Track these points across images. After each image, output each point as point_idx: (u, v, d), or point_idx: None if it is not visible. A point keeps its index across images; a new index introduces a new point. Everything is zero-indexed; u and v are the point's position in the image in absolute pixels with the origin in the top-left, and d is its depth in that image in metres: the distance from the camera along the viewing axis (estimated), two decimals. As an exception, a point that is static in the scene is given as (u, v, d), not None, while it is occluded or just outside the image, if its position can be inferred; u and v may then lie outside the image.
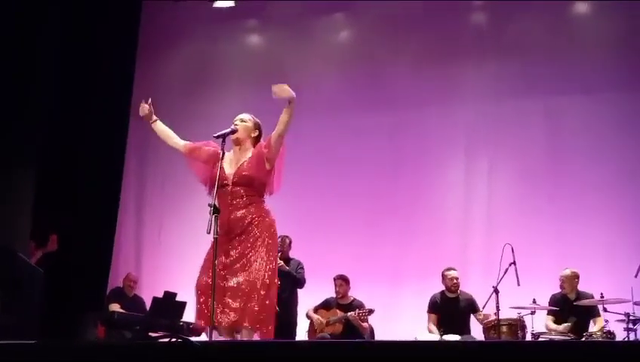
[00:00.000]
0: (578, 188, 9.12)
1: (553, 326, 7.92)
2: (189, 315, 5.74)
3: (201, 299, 5.33)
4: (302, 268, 8.36)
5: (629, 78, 9.21)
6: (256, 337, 5.30)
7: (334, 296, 8.55)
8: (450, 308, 8.26)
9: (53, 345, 4.28)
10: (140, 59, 9.88)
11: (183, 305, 6.72)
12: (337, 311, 8.39)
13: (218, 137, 5.37)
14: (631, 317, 7.43)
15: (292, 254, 8.46)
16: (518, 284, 7.59)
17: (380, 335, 8.40)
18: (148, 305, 7.92)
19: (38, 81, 8.63)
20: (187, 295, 5.76)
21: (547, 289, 8.23)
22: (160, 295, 6.36)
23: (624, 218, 8.94)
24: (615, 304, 7.56)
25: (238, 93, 9.79)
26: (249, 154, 5.46)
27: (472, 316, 8.25)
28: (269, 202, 5.57)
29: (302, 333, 8.49)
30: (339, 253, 9.24)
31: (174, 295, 6.51)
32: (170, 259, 9.70)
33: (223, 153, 5.35)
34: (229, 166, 5.42)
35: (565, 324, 7.82)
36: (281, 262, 8.04)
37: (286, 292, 8.12)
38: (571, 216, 9.07)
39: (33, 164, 8.59)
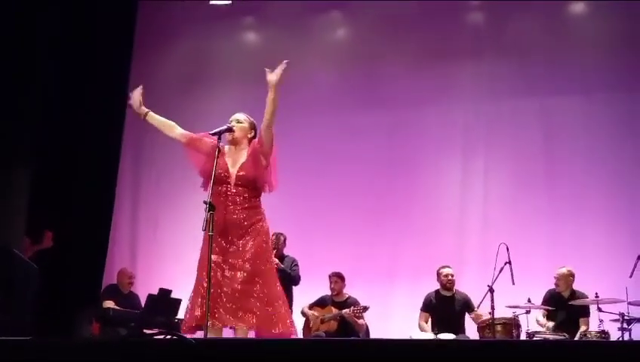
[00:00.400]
0: (574, 188, 9.15)
1: (543, 320, 7.94)
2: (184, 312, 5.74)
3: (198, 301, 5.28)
4: (296, 265, 8.37)
5: (627, 78, 9.24)
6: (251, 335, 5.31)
7: (329, 293, 8.55)
8: (445, 307, 8.27)
9: (48, 342, 4.27)
10: (136, 58, 9.85)
11: (178, 302, 6.73)
12: (332, 308, 8.39)
13: (214, 134, 5.36)
14: (625, 317, 7.46)
15: (287, 251, 8.47)
16: (513, 283, 7.60)
17: (374, 334, 8.40)
18: (143, 302, 7.93)
19: (34, 80, 8.62)
20: (182, 292, 5.76)
21: (542, 288, 8.25)
22: (155, 292, 6.38)
23: (619, 218, 8.97)
24: (610, 304, 7.57)
25: (234, 91, 9.79)
26: (245, 154, 5.47)
27: (467, 315, 8.26)
28: (266, 199, 5.58)
29: (297, 330, 8.49)
30: (335, 251, 9.25)
31: (169, 292, 6.52)
32: (165, 256, 9.70)
33: (219, 150, 5.34)
34: (232, 166, 5.41)
35: (551, 323, 7.83)
36: (276, 260, 8.06)
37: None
38: (567, 215, 9.09)
39: (29, 161, 8.58)
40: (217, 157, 5.30)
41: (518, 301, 7.72)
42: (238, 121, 5.54)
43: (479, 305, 7.80)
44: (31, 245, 8.17)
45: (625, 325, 7.44)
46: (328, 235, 9.46)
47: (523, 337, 7.67)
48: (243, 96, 9.09)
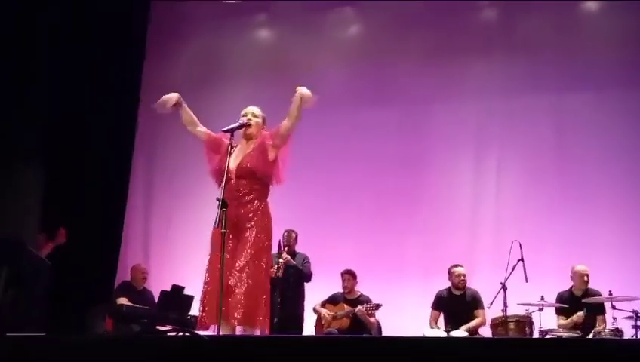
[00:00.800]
0: (587, 186, 9.10)
1: (565, 322, 7.90)
2: (197, 308, 5.75)
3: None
4: (308, 261, 8.38)
5: (639, 75, 9.17)
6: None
7: (341, 290, 8.55)
8: (456, 305, 8.26)
9: (61, 338, 4.29)
10: (148, 56, 9.89)
11: (190, 298, 6.75)
12: (345, 305, 8.39)
13: (227, 131, 5.37)
14: (639, 315, 7.41)
15: (299, 248, 8.47)
16: (526, 281, 7.58)
17: (385, 331, 8.40)
18: (156, 298, 7.95)
19: (45, 79, 8.66)
20: (195, 289, 5.77)
21: (555, 286, 8.21)
22: (168, 289, 6.40)
23: (633, 215, 8.91)
24: (623, 301, 7.54)
25: (247, 89, 9.79)
26: (251, 146, 5.48)
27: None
28: (276, 195, 5.58)
29: (309, 327, 8.50)
30: (346, 249, 9.25)
31: (182, 289, 6.54)
32: (178, 253, 9.71)
33: (232, 147, 5.35)
34: (234, 160, 5.42)
35: (579, 314, 7.78)
36: (288, 256, 8.07)
37: (293, 286, 8.15)
38: (580, 213, 9.04)
39: (44, 158, 8.63)
40: (230, 154, 5.31)
41: (530, 299, 7.69)
42: (255, 115, 5.56)
43: (492, 303, 7.76)
44: (46, 242, 8.22)
45: (639, 323, 7.39)
46: (340, 233, 9.45)
47: (536, 335, 7.65)
48: (255, 94, 9.09)
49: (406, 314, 8.85)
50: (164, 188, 10.30)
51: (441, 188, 9.59)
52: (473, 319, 8.14)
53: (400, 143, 9.73)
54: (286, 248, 8.13)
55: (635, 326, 7.38)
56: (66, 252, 8.32)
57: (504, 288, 7.59)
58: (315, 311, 8.53)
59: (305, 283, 8.38)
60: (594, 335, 7.43)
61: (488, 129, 9.62)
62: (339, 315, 8.33)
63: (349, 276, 8.49)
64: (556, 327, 7.82)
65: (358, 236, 9.45)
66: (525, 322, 7.70)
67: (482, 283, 8.39)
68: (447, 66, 9.71)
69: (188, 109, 5.68)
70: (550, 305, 7.87)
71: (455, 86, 9.71)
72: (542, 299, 7.71)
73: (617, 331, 7.38)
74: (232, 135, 5.37)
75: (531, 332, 7.69)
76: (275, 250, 7.14)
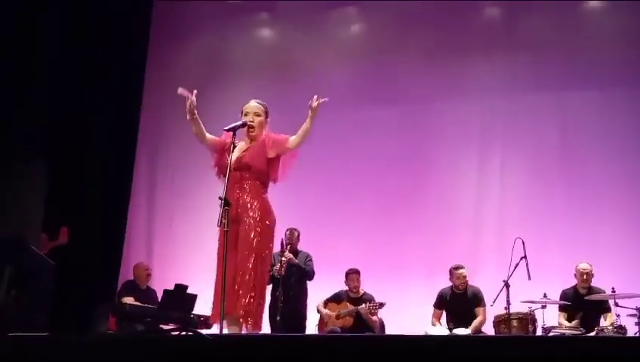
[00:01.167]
0: (590, 185, 9.08)
1: (565, 322, 7.89)
2: (200, 307, 5.76)
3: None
4: (310, 260, 8.38)
5: (643, 74, 9.17)
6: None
7: (345, 289, 8.55)
8: (458, 303, 8.25)
9: (64, 338, 4.30)
10: (151, 54, 9.91)
11: (193, 297, 6.74)
12: (348, 304, 8.39)
13: (229, 130, 5.37)
14: (642, 312, 7.42)
15: (301, 247, 8.47)
16: (529, 278, 7.58)
17: (388, 330, 8.39)
18: (160, 297, 7.94)
19: (48, 79, 8.67)
20: (198, 287, 5.77)
21: (558, 283, 8.20)
22: (171, 287, 6.39)
23: (636, 213, 8.90)
24: (626, 299, 7.52)
25: (248, 88, 9.76)
26: (254, 143, 5.50)
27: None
28: (279, 193, 5.58)
29: (312, 326, 8.50)
30: (349, 247, 9.24)
31: (185, 287, 6.53)
32: (181, 251, 9.72)
33: (234, 145, 5.36)
34: (235, 155, 5.44)
35: (575, 321, 7.79)
36: (290, 255, 8.06)
37: (295, 285, 8.15)
38: (583, 211, 9.03)
39: (46, 158, 8.64)
40: (232, 152, 5.32)
41: (533, 296, 7.68)
42: (257, 115, 5.56)
43: (495, 300, 7.76)
44: (48, 241, 8.22)
45: (642, 320, 7.40)
46: (342, 231, 9.44)
47: (539, 332, 7.64)
48: (258, 93, 9.01)
49: (409, 312, 8.84)
50: (167, 187, 10.29)
51: (444, 187, 9.57)
52: (475, 317, 8.13)
53: (403, 142, 9.72)
54: (288, 246, 8.12)
55: (639, 324, 7.37)
56: (70, 251, 8.33)
57: (507, 286, 7.58)
58: (318, 311, 8.53)
59: (307, 282, 8.38)
60: (597, 333, 7.41)
61: (491, 128, 9.60)
62: (342, 314, 8.33)
63: (357, 275, 8.48)
64: (557, 325, 7.82)
65: (361, 235, 9.44)
66: (528, 319, 7.69)
67: (485, 281, 8.38)
68: (450, 65, 9.69)
69: (199, 121, 5.66)
70: (553, 303, 7.86)
71: (458, 85, 9.69)
72: (545, 296, 7.70)
73: (621, 328, 7.37)
74: (234, 133, 5.37)
75: (534, 330, 7.69)
76: (277, 248, 7.14)
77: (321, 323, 8.47)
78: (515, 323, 7.68)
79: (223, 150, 5.54)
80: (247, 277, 5.27)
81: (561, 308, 8.02)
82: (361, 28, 10.33)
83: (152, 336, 4.49)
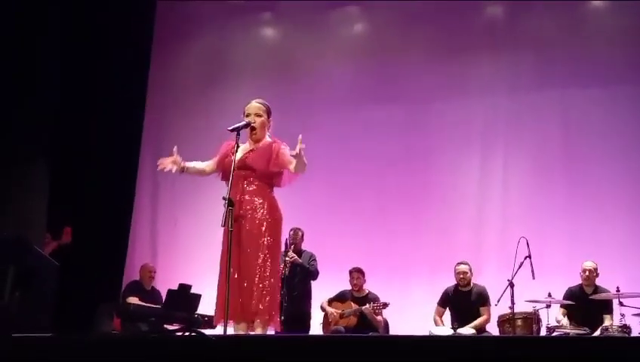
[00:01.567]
0: (594, 183, 9.07)
1: (564, 320, 7.86)
2: (204, 308, 5.76)
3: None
4: (314, 259, 8.38)
5: (647, 72, 9.15)
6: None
7: (349, 288, 8.54)
8: (461, 302, 8.25)
9: (68, 338, 4.30)
10: (154, 54, 9.91)
11: (197, 297, 6.73)
12: (352, 303, 8.39)
13: (233, 130, 5.36)
14: (647, 311, 7.40)
15: (305, 246, 8.47)
16: (534, 278, 7.57)
17: (392, 329, 8.39)
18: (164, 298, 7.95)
19: (51, 78, 8.68)
20: (202, 287, 5.77)
21: (562, 282, 8.19)
22: (175, 287, 6.38)
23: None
24: (631, 298, 7.51)
25: (251, 87, 9.76)
26: (258, 145, 5.47)
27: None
28: (283, 193, 5.56)
29: (316, 325, 8.50)
30: (352, 247, 9.23)
31: (189, 287, 6.52)
32: (185, 251, 9.72)
33: (238, 146, 5.34)
34: (240, 152, 5.42)
35: (566, 321, 7.77)
36: (294, 255, 8.07)
37: (299, 284, 8.15)
38: (587, 210, 9.01)
39: (50, 157, 8.65)
40: (235, 152, 5.31)
41: (538, 296, 7.67)
42: (258, 115, 5.52)
43: (499, 300, 7.74)
44: (51, 241, 8.22)
45: (647, 319, 7.38)
46: (346, 231, 9.44)
47: (543, 332, 7.63)
48: (260, 92, 8.99)
49: (413, 312, 8.83)
50: (171, 187, 10.29)
51: (446, 186, 9.56)
52: (478, 316, 8.12)
53: (405, 141, 9.71)
54: (292, 246, 8.13)
55: (644, 323, 7.37)
56: (74, 251, 8.35)
57: (511, 285, 7.57)
58: (322, 308, 8.53)
59: (311, 282, 8.38)
60: (602, 332, 7.40)
61: (494, 127, 9.59)
62: (346, 313, 8.32)
63: (359, 274, 8.48)
64: (560, 323, 7.80)
65: (365, 234, 9.44)
66: (532, 319, 7.69)
67: (489, 281, 8.37)
68: (453, 64, 9.68)
69: (190, 166, 5.64)
70: (557, 302, 7.85)
71: (460, 84, 9.68)
72: (549, 295, 7.69)
73: (625, 328, 7.36)
74: (237, 133, 5.35)
75: (538, 329, 7.68)
76: (281, 248, 7.13)
77: (326, 322, 8.47)
78: (519, 322, 7.67)
79: (227, 155, 5.50)
80: (256, 277, 5.23)
81: (564, 305, 8.00)
82: (363, 27, 10.33)
83: (156, 336, 4.49)
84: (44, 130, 8.59)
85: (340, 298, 8.55)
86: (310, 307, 8.40)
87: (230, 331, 5.08)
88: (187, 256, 9.55)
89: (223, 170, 5.48)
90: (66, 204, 8.79)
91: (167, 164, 5.59)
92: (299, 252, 8.30)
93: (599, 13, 9.61)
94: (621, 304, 7.51)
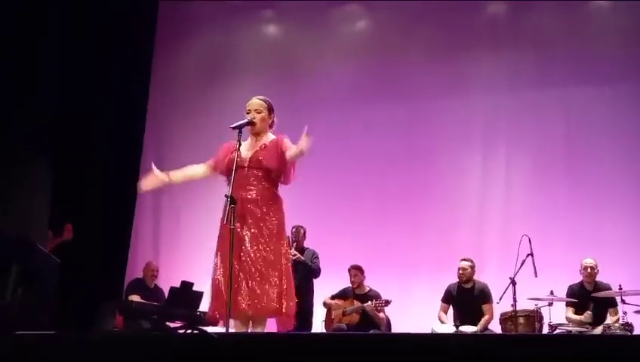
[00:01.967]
0: (596, 181, 9.07)
1: (574, 316, 7.87)
2: (206, 305, 5.75)
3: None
4: (317, 257, 8.39)
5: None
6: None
7: (350, 285, 8.55)
8: (464, 299, 8.26)
9: (70, 336, 4.30)
10: (157, 52, 9.92)
11: (199, 295, 6.75)
12: (354, 301, 8.39)
13: (235, 128, 5.34)
14: (649, 309, 7.40)
15: (307, 244, 8.47)
16: (536, 275, 7.57)
17: (394, 327, 8.40)
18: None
19: (52, 76, 8.69)
20: (204, 285, 5.77)
21: (564, 280, 8.20)
22: (177, 285, 6.40)
23: (642, 210, 8.88)
24: (633, 295, 7.50)
25: (253, 85, 9.76)
26: (265, 139, 5.45)
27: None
28: (285, 190, 5.56)
29: (318, 323, 8.51)
30: (355, 244, 9.24)
31: (191, 285, 6.54)
32: (188, 249, 9.73)
33: (240, 144, 5.33)
34: (246, 150, 5.39)
35: (587, 313, 7.74)
36: (296, 253, 8.07)
37: (302, 282, 8.15)
38: (589, 208, 9.01)
39: (52, 155, 8.66)
40: (237, 150, 5.29)
41: (540, 293, 7.67)
42: (258, 111, 5.50)
43: (501, 298, 7.75)
44: (52, 238, 8.24)
45: (649, 317, 7.38)
46: (348, 229, 9.44)
47: (545, 329, 7.63)
48: (262, 90, 9.01)
49: (415, 310, 8.85)
50: (174, 186, 10.28)
51: (448, 185, 9.56)
52: (481, 313, 8.12)
53: (406, 140, 9.71)
54: (294, 244, 8.14)
55: (645, 321, 7.36)
56: (76, 250, 8.35)
57: (513, 283, 7.57)
58: (325, 304, 8.54)
59: (314, 279, 8.39)
60: (604, 330, 7.40)
61: (495, 125, 9.59)
62: (348, 311, 8.33)
63: (356, 271, 8.49)
64: (565, 322, 7.80)
65: (367, 232, 9.44)
66: (535, 317, 7.69)
67: (490, 279, 8.38)
68: (454, 62, 9.68)
69: (175, 175, 5.67)
70: (560, 300, 7.85)
71: (462, 82, 9.68)
72: (551, 293, 7.69)
73: (628, 325, 7.36)
74: (240, 131, 5.34)
75: (541, 327, 7.68)
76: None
77: (328, 319, 8.48)
78: (521, 320, 7.68)
79: (228, 154, 5.47)
80: (257, 275, 5.21)
81: (569, 303, 8.00)
82: (365, 25, 10.33)
83: (158, 334, 4.49)
84: (44, 129, 8.61)
85: (341, 295, 8.56)
86: (312, 305, 8.41)
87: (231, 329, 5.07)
88: (189, 255, 9.56)
89: (226, 168, 5.43)
90: (68, 203, 8.80)
91: (149, 183, 5.56)
92: (301, 249, 8.31)
93: (601, 11, 9.60)
94: (623, 301, 7.51)
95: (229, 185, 5.23)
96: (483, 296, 8.20)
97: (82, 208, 8.93)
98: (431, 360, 3.71)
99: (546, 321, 7.70)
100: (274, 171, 5.36)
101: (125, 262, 9.47)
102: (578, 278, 8.12)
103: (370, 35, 10.20)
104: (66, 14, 8.91)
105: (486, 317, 8.08)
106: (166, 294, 8.35)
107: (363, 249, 9.16)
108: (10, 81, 8.24)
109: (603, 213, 8.93)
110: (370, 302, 8.16)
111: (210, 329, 4.55)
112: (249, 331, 5.17)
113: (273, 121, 5.56)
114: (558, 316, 7.86)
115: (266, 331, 5.28)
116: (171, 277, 8.51)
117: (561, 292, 7.97)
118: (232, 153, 5.35)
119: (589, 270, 7.96)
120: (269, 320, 5.34)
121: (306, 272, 8.24)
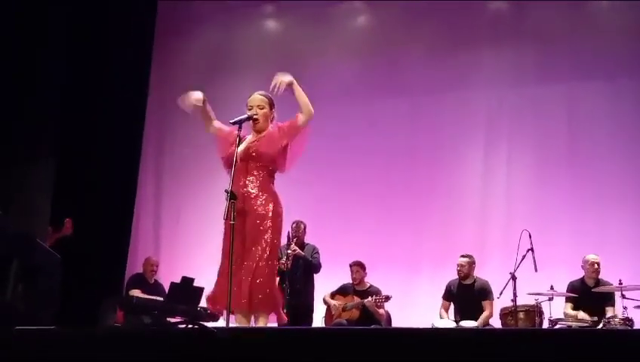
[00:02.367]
0: (597, 176, 9.05)
1: (571, 312, 7.87)
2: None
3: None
4: (317, 252, 8.38)
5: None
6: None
7: (351, 281, 8.55)
8: (465, 295, 8.25)
9: (72, 331, 4.31)
10: (157, 47, 9.92)
11: (200, 290, 6.75)
12: (354, 297, 8.39)
13: (234, 123, 5.35)
14: (650, 304, 7.40)
15: (307, 239, 8.47)
16: (536, 270, 7.57)
17: (395, 322, 8.40)
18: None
19: (53, 75, 8.70)
20: (205, 280, 5.77)
21: (565, 275, 8.19)
22: (178, 280, 6.40)
23: (643, 205, 8.88)
24: (634, 291, 7.50)
25: (254, 80, 9.69)
26: (262, 134, 5.46)
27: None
28: (286, 185, 5.56)
29: (319, 318, 8.51)
30: (356, 240, 9.23)
31: (192, 280, 6.54)
32: (188, 244, 9.74)
33: (240, 138, 5.33)
34: (244, 144, 5.40)
35: (581, 312, 7.76)
36: (297, 248, 8.06)
37: (302, 278, 8.15)
38: (590, 203, 9.00)
39: (54, 151, 8.67)
40: (238, 145, 5.30)
41: (540, 288, 7.67)
42: (260, 107, 5.51)
43: (502, 293, 7.75)
44: (52, 233, 8.24)
45: (649, 312, 7.38)
46: (349, 224, 9.45)
47: (545, 324, 7.63)
48: (263, 86, 9.04)
49: (416, 306, 8.86)
50: (174, 179, 10.31)
51: (450, 180, 9.56)
52: (481, 309, 8.12)
53: (408, 135, 9.71)
54: (295, 239, 8.12)
55: (646, 316, 7.36)
56: (77, 244, 8.36)
57: (514, 278, 7.57)
58: (325, 301, 8.54)
59: (314, 275, 8.38)
60: (604, 325, 7.40)
61: (498, 121, 9.58)
62: (348, 307, 8.33)
63: (358, 267, 8.49)
64: (564, 317, 7.80)
65: (368, 227, 9.44)
66: (535, 312, 7.69)
67: (493, 275, 8.36)
68: (457, 57, 9.67)
69: (209, 108, 5.62)
70: (560, 295, 7.85)
71: (464, 77, 9.67)
72: (551, 288, 7.69)
73: (628, 320, 7.36)
74: (240, 127, 5.34)
75: (541, 322, 7.68)
76: (284, 241, 7.14)
77: (328, 315, 8.48)
78: (521, 315, 7.68)
79: (228, 142, 5.48)
80: (255, 270, 5.23)
81: (568, 299, 8.00)
82: (367, 21, 10.31)
83: (159, 329, 4.50)
84: (45, 129, 8.62)
85: (342, 291, 8.56)
86: (313, 300, 8.40)
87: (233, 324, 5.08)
88: (190, 250, 9.58)
89: (226, 158, 5.44)
90: (68, 200, 8.80)
91: (193, 101, 5.53)
92: (301, 245, 8.30)
93: (603, 7, 9.57)
94: (623, 296, 7.51)
95: (229, 176, 5.24)
96: (483, 292, 8.19)
97: (83, 204, 8.94)
98: (431, 355, 3.72)
99: (546, 316, 7.70)
100: (267, 159, 5.36)
101: (126, 258, 9.48)
102: (579, 274, 8.11)
103: (372, 31, 10.19)
104: (66, 14, 8.91)
105: (486, 313, 8.08)
106: (166, 289, 8.36)
107: (364, 245, 9.16)
108: (10, 81, 8.24)
109: (605, 208, 8.92)
110: (370, 298, 8.16)
111: (210, 324, 4.57)
112: (251, 326, 5.19)
113: (273, 117, 5.58)
114: (558, 311, 7.86)
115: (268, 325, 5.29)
116: (172, 273, 8.51)
117: (562, 287, 7.97)
118: (232, 145, 5.36)
119: (595, 266, 7.96)
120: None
121: (306, 268, 8.23)
